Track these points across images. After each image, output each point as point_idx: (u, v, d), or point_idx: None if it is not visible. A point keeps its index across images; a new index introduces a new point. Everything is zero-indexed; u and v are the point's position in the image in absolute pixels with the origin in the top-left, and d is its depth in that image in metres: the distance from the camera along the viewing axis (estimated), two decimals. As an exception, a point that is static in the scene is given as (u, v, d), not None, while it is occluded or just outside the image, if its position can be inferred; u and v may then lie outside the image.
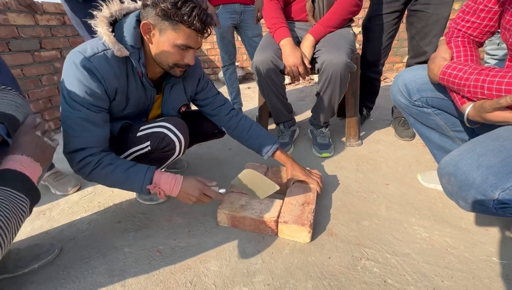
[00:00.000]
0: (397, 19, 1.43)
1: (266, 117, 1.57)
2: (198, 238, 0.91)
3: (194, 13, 0.74)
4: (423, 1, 1.31)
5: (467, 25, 0.82)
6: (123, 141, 0.95)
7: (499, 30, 0.82)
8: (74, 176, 1.23)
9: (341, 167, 1.30)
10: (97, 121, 0.81)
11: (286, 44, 1.22)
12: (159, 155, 0.95)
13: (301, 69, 1.20)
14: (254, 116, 2.11)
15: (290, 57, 1.20)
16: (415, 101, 0.95)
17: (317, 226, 0.92)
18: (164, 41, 0.79)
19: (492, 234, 0.84)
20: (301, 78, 1.22)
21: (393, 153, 1.40)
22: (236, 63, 2.22)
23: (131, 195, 1.18)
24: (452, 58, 0.82)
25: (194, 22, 0.75)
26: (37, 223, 1.05)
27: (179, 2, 0.73)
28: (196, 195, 0.84)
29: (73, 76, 0.77)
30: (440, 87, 0.88)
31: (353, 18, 1.34)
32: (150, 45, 0.82)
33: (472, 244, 0.81)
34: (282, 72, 1.29)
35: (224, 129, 1.13)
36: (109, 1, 0.81)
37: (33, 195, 0.57)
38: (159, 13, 0.75)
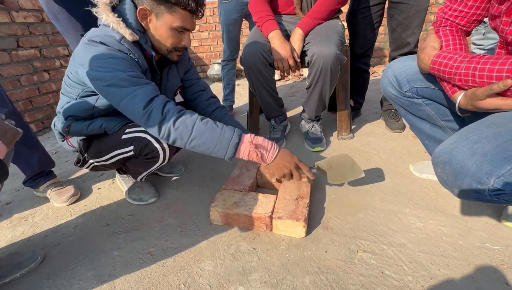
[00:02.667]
0: (381, 11, 1.43)
1: (256, 113, 1.54)
2: (191, 238, 0.88)
3: None
4: None
5: (455, 14, 0.82)
6: (107, 142, 0.92)
7: (485, 20, 0.82)
8: (75, 184, 1.19)
9: (334, 160, 1.29)
10: (146, 80, 0.80)
11: (274, 37, 1.20)
12: (143, 161, 0.94)
13: (291, 62, 1.18)
14: (244, 112, 2.09)
15: (279, 50, 1.18)
16: (405, 92, 0.95)
17: (312, 220, 0.91)
18: (162, 25, 0.80)
19: (485, 220, 0.85)
20: (291, 72, 1.20)
21: (384, 145, 1.40)
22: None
23: (118, 196, 1.13)
24: (441, 47, 0.81)
25: (190, 2, 0.76)
26: (19, 229, 1.00)
27: None
28: (292, 166, 0.83)
29: (107, 54, 0.75)
30: (430, 77, 0.88)
31: (341, 9, 1.32)
32: (147, 30, 0.83)
33: (466, 232, 0.82)
34: (272, 66, 1.26)
35: (201, 112, 1.12)
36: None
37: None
38: None
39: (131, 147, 0.90)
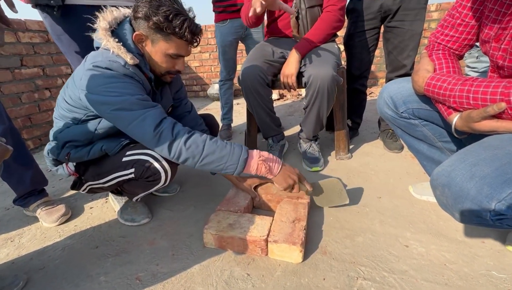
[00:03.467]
0: (377, 35, 1.48)
1: (254, 131, 1.54)
2: (183, 262, 0.84)
3: (185, 25, 0.78)
4: (398, 18, 1.36)
5: (446, 38, 0.84)
6: (106, 164, 0.91)
7: (477, 44, 0.84)
8: (66, 203, 1.16)
9: (332, 181, 1.27)
10: (152, 103, 0.81)
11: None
12: (143, 183, 0.92)
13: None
14: (242, 131, 2.09)
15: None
16: (401, 113, 0.95)
17: (310, 244, 0.88)
18: (157, 51, 0.83)
19: (489, 246, 0.82)
20: (256, 9, 1.01)
21: (383, 165, 1.39)
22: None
23: (111, 216, 1.10)
24: (434, 70, 0.83)
25: (185, 33, 0.79)
26: (3, 251, 0.95)
27: (171, 15, 0.76)
28: (296, 177, 0.87)
29: (114, 79, 0.77)
30: (425, 98, 0.88)
31: (337, 33, 1.37)
32: (144, 53, 0.86)
33: (470, 258, 0.78)
34: (269, 86, 1.28)
35: None
36: (102, 12, 0.82)
37: None
38: (152, 26, 0.78)
39: (132, 170, 0.88)
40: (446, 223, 0.93)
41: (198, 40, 0.85)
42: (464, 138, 0.82)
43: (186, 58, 3.70)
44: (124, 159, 0.89)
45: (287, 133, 2.01)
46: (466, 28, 0.80)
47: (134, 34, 0.80)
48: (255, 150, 0.85)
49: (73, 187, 0.98)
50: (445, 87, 0.73)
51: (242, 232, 0.85)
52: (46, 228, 1.07)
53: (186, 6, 0.83)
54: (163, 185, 0.93)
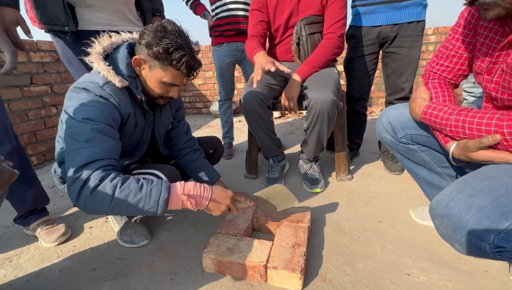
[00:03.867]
0: (376, 59, 1.53)
1: (255, 151, 1.56)
2: (181, 287, 0.83)
3: (183, 60, 0.80)
4: (396, 44, 1.41)
5: (442, 68, 0.87)
6: None
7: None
8: (66, 223, 1.16)
9: (332, 203, 1.27)
10: (111, 135, 0.80)
11: (258, 55, 1.24)
12: None
13: (269, 67, 1.15)
14: (244, 149, 2.11)
15: (257, 63, 1.20)
16: (400, 138, 0.97)
17: (310, 271, 0.86)
18: (152, 76, 0.85)
19: (492, 275, 0.81)
20: (259, 76, 1.17)
21: (383, 188, 1.38)
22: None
23: (110, 237, 1.10)
24: (431, 98, 0.85)
25: (182, 68, 0.81)
26: (1, 272, 0.95)
27: (171, 49, 0.78)
28: (226, 202, 0.83)
29: (87, 99, 0.78)
30: (423, 125, 0.90)
31: (336, 58, 1.41)
32: (140, 75, 0.89)
33: (473, 289, 0.77)
34: (270, 108, 1.31)
35: (174, 155, 1.17)
36: (99, 37, 0.86)
37: None
38: (151, 54, 0.81)
39: None
40: (448, 250, 0.92)
41: (194, 74, 0.87)
42: (463, 165, 0.83)
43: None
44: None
45: (288, 152, 2.03)
46: (459, 60, 0.83)
47: (134, 58, 0.83)
48: (178, 185, 0.77)
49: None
50: (441, 116, 0.75)
51: (241, 257, 0.84)
52: (44, 248, 1.07)
53: (193, 38, 0.87)
54: None
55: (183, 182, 0.80)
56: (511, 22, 0.65)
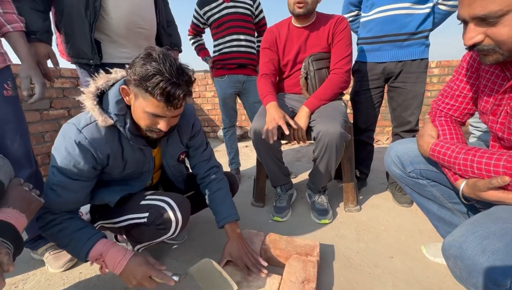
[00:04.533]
0: (381, 92, 1.58)
1: (263, 180, 1.57)
2: (187, 322, 0.81)
3: (159, 86, 0.73)
4: (401, 80, 1.47)
5: (447, 107, 0.91)
6: (124, 204, 0.94)
7: None
8: None
9: (341, 235, 1.25)
10: (73, 188, 0.83)
11: (270, 106, 1.30)
12: (152, 230, 0.93)
13: (281, 123, 1.21)
14: (251, 175, 2.12)
15: (269, 115, 1.26)
16: (409, 172, 0.98)
17: (320, 309, 0.84)
18: (137, 106, 0.80)
19: (512, 322, 0.77)
20: (274, 136, 1.21)
21: (393, 221, 1.36)
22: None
23: (117, 265, 1.09)
24: (438, 136, 0.87)
25: (157, 94, 0.74)
26: (7, 299, 0.94)
27: (148, 75, 0.73)
28: (138, 278, 0.78)
29: (62, 146, 0.81)
30: (431, 160, 0.92)
31: (343, 92, 1.47)
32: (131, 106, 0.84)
33: (493, 336, 0.73)
34: (279, 138, 1.35)
35: (198, 182, 1.13)
36: (97, 76, 0.85)
37: (17, 242, 0.64)
38: (132, 81, 0.77)
39: (146, 214, 0.91)
40: (464, 291, 0.89)
41: (176, 104, 0.77)
42: (473, 202, 0.83)
43: (199, 101, 3.95)
44: (142, 202, 0.93)
45: (295, 180, 2.03)
46: (465, 99, 0.86)
47: (121, 87, 0.81)
48: (101, 245, 0.82)
49: None
50: (449, 154, 0.77)
51: (249, 291, 0.83)
52: (51, 274, 1.06)
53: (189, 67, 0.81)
54: (170, 236, 0.94)
55: (108, 243, 0.83)
56: (511, 67, 0.69)
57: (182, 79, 0.76)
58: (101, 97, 0.85)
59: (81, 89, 0.84)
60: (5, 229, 0.62)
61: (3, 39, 0.98)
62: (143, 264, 0.80)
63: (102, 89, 0.85)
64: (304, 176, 2.08)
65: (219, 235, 1.27)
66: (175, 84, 0.74)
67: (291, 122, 1.26)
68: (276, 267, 1.04)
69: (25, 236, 1.14)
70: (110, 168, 0.89)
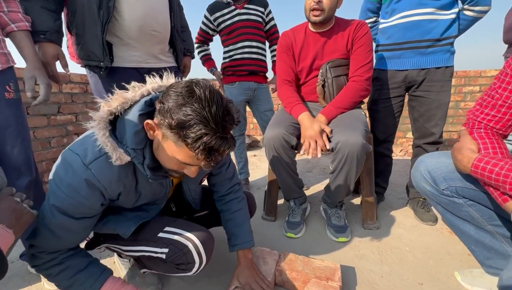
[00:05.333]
0: (402, 102, 1.49)
1: (275, 192, 1.48)
2: None
3: (202, 141, 0.57)
4: (423, 88, 1.38)
5: (488, 118, 0.81)
6: (138, 233, 0.81)
7: None
8: None
9: (362, 256, 1.14)
10: (76, 228, 0.71)
11: (304, 118, 1.24)
12: (169, 267, 0.82)
13: (320, 142, 1.17)
14: (260, 186, 2.03)
15: (308, 130, 1.19)
16: (443, 190, 0.88)
17: None
18: (164, 148, 0.65)
19: None
20: (318, 153, 1.17)
21: (417, 240, 1.25)
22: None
23: (117, 283, 1.00)
24: (479, 150, 0.78)
25: (198, 150, 0.59)
26: (-3, 319, 0.86)
27: (189, 122, 0.57)
28: None
29: (64, 181, 0.66)
30: (470, 177, 0.82)
31: (363, 100, 1.39)
32: (153, 140, 0.69)
33: None
34: (293, 148, 1.26)
35: (215, 198, 1.02)
36: (110, 97, 0.68)
37: None
38: (165, 125, 0.60)
39: (165, 250, 0.78)
40: (512, 330, 0.77)
41: (216, 158, 0.62)
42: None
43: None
44: (161, 235, 0.80)
45: (307, 192, 1.92)
46: (509, 110, 0.77)
47: (145, 122, 0.64)
48: (108, 286, 0.75)
49: (89, 247, 0.89)
50: (497, 172, 0.67)
51: (265, 323, 0.73)
52: (47, 292, 0.98)
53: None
54: (191, 275, 0.84)
55: (118, 283, 0.76)
56: None
57: (229, 128, 0.61)
58: (114, 122, 0.69)
59: (90, 113, 0.66)
60: None
61: (7, 39, 0.94)
62: None
63: (117, 113, 0.67)
64: (317, 188, 1.98)
65: (227, 253, 1.17)
66: (221, 138, 0.59)
67: (328, 132, 1.20)
68: (292, 291, 0.94)
69: (20, 247, 1.07)
70: (120, 202, 0.76)
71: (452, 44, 1.33)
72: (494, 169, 0.68)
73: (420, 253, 1.15)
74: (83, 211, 0.69)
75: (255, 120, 3.74)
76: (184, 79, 0.67)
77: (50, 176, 0.70)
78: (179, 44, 1.35)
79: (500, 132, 0.81)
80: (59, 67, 1.14)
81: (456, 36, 1.33)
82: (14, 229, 0.57)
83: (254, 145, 3.68)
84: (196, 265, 0.79)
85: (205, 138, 0.57)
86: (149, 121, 0.63)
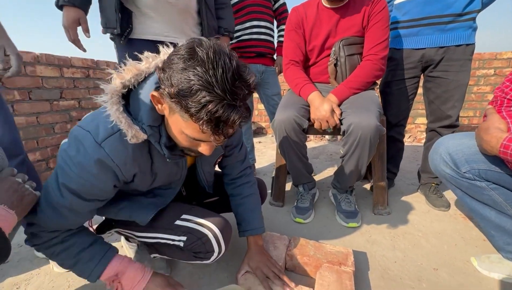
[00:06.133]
0: (417, 83, 1.42)
1: (284, 177, 1.44)
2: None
3: (207, 109, 0.49)
4: (441, 68, 1.30)
5: (518, 94, 0.76)
6: (156, 220, 0.78)
7: None
8: None
9: (374, 241, 1.11)
10: (83, 211, 0.67)
11: (314, 97, 1.19)
12: (186, 254, 0.80)
13: (331, 122, 1.13)
14: (266, 172, 2.00)
15: (319, 109, 1.15)
16: (464, 173, 0.83)
17: (360, 330, 0.71)
18: (173, 122, 0.59)
19: None
20: (329, 131, 1.13)
21: (430, 226, 1.21)
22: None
23: (126, 267, 0.99)
24: (508, 129, 0.73)
25: (203, 122, 0.51)
26: (7, 301, 0.85)
27: (191, 89, 0.49)
28: None
29: (75, 159, 0.60)
30: (495, 159, 0.77)
31: (376, 81, 1.32)
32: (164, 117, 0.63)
33: None
34: (305, 131, 1.22)
35: (225, 181, 0.98)
36: (122, 67, 0.62)
37: (0, 246, 0.52)
38: (166, 93, 0.53)
39: (183, 238, 0.76)
40: (534, 316, 0.74)
41: (228, 132, 0.55)
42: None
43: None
44: (178, 222, 0.77)
45: (315, 178, 1.89)
46: (543, 85, 0.71)
47: (151, 95, 0.58)
48: (117, 263, 0.72)
49: (100, 232, 0.87)
50: (530, 151, 0.62)
51: (278, 307, 0.71)
52: (55, 275, 0.97)
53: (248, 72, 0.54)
54: (208, 263, 0.83)
55: (125, 261, 0.73)
56: None
57: (240, 95, 0.51)
58: (127, 96, 0.63)
59: (101, 86, 0.59)
60: None
61: None
62: (165, 286, 0.70)
63: (130, 86, 0.62)
64: (324, 174, 1.95)
65: (237, 239, 1.15)
66: (230, 106, 0.51)
67: (338, 113, 1.16)
68: (303, 276, 0.92)
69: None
70: (135, 184, 0.71)
71: (474, 19, 1.24)
72: (526, 149, 0.63)
73: (434, 238, 1.12)
74: (94, 193, 0.65)
75: (259, 106, 3.69)
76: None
77: (59, 153, 0.64)
78: (209, 20, 1.25)
79: (531, 110, 0.75)
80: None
81: (479, 11, 1.24)
82: (16, 210, 0.55)
83: (259, 132, 3.64)
84: (215, 254, 0.77)
85: (210, 106, 0.49)
86: (154, 93, 0.57)
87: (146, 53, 0.63)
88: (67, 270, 0.98)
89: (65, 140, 0.65)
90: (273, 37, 1.79)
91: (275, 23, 1.83)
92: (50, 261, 1.01)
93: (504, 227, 0.85)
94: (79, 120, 2.23)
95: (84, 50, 1.17)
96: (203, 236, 0.75)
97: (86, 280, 0.71)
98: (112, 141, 0.61)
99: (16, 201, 0.56)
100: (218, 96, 0.49)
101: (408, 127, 3.24)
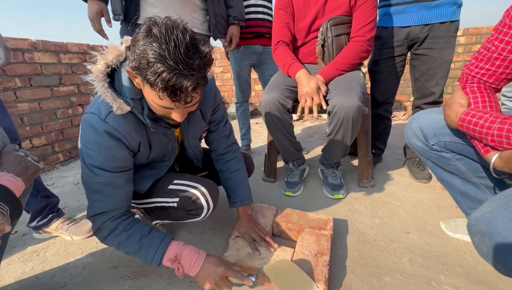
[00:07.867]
0: (403, 61, 1.46)
1: (275, 154, 1.53)
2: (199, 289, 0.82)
3: (161, 77, 0.57)
4: (426, 46, 1.34)
5: (482, 72, 0.81)
6: (152, 187, 0.90)
7: None
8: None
9: (355, 210, 1.22)
10: (119, 183, 0.77)
11: (301, 75, 1.23)
12: (180, 214, 0.91)
13: (316, 99, 1.18)
14: (262, 152, 2.09)
15: (304, 86, 1.20)
16: (432, 145, 0.91)
17: (332, 281, 0.83)
18: (146, 93, 0.68)
19: (537, 300, 0.73)
20: (314, 111, 1.19)
21: (410, 196, 1.32)
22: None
23: (131, 236, 1.11)
24: (469, 104, 0.79)
25: (159, 90, 0.59)
26: (29, 265, 0.98)
27: (147, 62, 0.57)
28: (216, 278, 0.75)
29: (92, 140, 0.72)
30: (458, 131, 0.84)
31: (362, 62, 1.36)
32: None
33: (516, 313, 0.70)
34: (290, 111, 1.28)
35: (213, 157, 1.07)
36: (105, 49, 0.71)
37: (13, 204, 0.59)
38: (133, 68, 0.61)
39: (176, 199, 0.87)
40: (485, 267, 0.85)
41: (184, 98, 0.61)
42: (505, 177, 0.76)
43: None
44: (171, 187, 0.89)
45: (307, 156, 1.98)
46: (503, 62, 0.76)
47: (126, 70, 0.65)
48: (174, 247, 0.77)
49: None
50: (481, 124, 0.69)
51: (262, 263, 0.82)
52: (69, 243, 1.10)
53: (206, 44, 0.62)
54: (200, 220, 0.94)
55: (180, 244, 0.79)
56: None
57: (192, 65, 0.58)
58: (112, 76, 0.72)
59: (88, 66, 0.68)
60: None
61: None
62: (220, 264, 0.76)
63: (113, 66, 0.71)
64: (317, 152, 2.03)
65: (228, 210, 1.26)
66: (182, 74, 0.57)
67: (323, 89, 1.20)
68: (288, 241, 1.03)
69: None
70: (138, 154, 0.82)
71: (459, -5, 1.26)
72: (478, 121, 0.70)
73: (411, 207, 1.22)
74: (117, 164, 0.75)
75: (257, 88, 3.71)
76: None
77: (79, 143, 0.76)
78: (215, 8, 1.27)
79: (493, 86, 0.81)
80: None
81: (464, -13, 1.25)
82: (22, 177, 0.62)
83: (256, 113, 3.69)
84: (205, 210, 0.89)
85: (163, 74, 0.56)
86: (127, 68, 0.64)
87: (126, 36, 0.70)
88: (86, 237, 1.12)
89: (79, 131, 0.77)
90: (271, 15, 1.78)
91: (273, 1, 1.83)
92: (68, 233, 1.12)
93: (468, 193, 0.93)
94: (80, 105, 2.31)
95: (107, 39, 1.25)
96: (193, 195, 0.87)
97: (151, 264, 0.76)
98: (114, 115, 0.71)
99: (22, 170, 0.62)
100: (170, 67, 0.56)
101: (403, 104, 3.28)
